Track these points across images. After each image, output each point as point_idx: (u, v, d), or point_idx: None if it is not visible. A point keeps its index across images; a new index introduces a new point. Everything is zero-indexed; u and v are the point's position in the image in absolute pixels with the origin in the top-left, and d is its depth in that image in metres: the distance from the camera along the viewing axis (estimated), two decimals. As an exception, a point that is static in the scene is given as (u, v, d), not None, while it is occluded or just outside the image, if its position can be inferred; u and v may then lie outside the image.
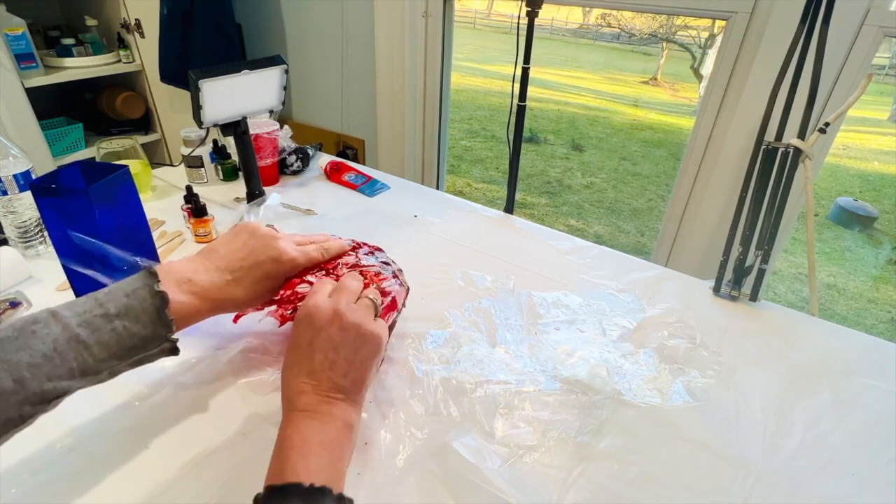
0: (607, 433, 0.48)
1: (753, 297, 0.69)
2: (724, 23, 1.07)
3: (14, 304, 0.59)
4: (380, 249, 0.58)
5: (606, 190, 3.82)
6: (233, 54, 1.66)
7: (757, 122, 0.64)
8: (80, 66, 1.77)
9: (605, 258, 0.78)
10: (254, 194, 0.84)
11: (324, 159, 1.04)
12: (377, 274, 0.52)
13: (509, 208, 0.92)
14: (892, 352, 0.61)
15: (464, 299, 0.65)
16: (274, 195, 0.82)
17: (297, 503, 0.33)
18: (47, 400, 0.35)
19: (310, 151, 1.04)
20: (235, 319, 0.56)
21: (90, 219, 0.54)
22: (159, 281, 0.41)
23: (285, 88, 0.80)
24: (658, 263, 0.78)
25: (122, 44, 1.86)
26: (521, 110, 0.86)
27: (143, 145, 0.95)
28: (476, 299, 0.65)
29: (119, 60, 1.87)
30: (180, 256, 0.64)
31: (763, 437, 0.49)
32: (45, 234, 0.70)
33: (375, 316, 0.46)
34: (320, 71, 1.72)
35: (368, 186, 0.97)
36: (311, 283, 0.50)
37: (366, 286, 0.49)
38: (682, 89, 6.62)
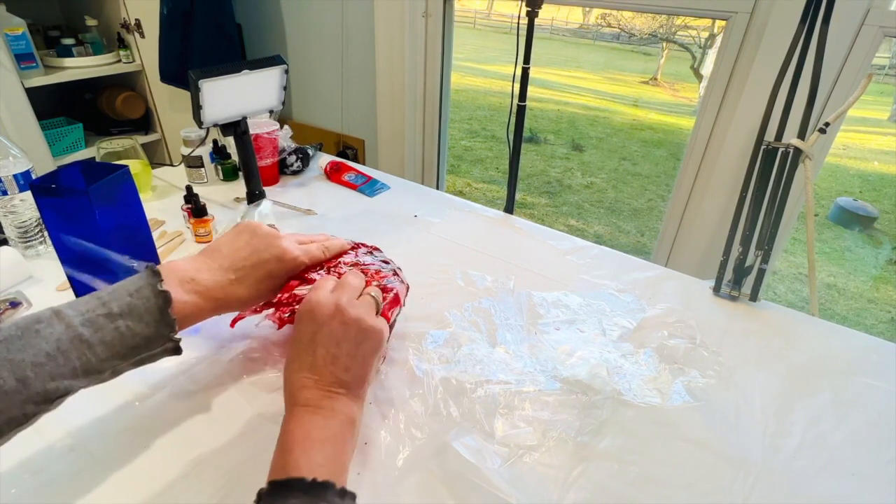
0: (607, 433, 0.48)
1: (753, 297, 0.69)
2: (724, 23, 1.07)
3: (14, 304, 0.59)
4: (378, 249, 0.58)
5: (606, 190, 3.82)
6: (233, 54, 1.66)
7: (757, 122, 0.64)
8: (80, 66, 1.77)
9: (605, 258, 0.78)
10: (254, 194, 0.84)
11: (324, 159, 1.04)
12: (377, 272, 0.52)
13: (509, 208, 0.92)
14: (892, 352, 0.61)
15: (464, 299, 0.65)
16: (265, 203, 0.82)
17: (300, 497, 0.33)
18: (50, 399, 0.35)
19: (310, 151, 1.04)
20: (233, 323, 0.55)
21: (90, 219, 0.54)
22: (162, 280, 0.40)
23: (285, 88, 0.80)
24: (658, 263, 0.78)
25: (122, 44, 1.86)
26: (521, 110, 0.86)
27: (143, 145, 0.95)
28: (476, 299, 0.65)
29: (119, 60, 1.87)
30: (180, 256, 0.64)
31: (763, 437, 0.49)
32: (45, 234, 0.70)
33: (377, 313, 0.46)
34: (320, 71, 1.72)
35: (368, 186, 0.97)
36: (311, 282, 0.50)
37: (367, 284, 0.49)
38: (682, 89, 6.62)
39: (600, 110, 5.75)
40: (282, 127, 0.99)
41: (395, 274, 0.54)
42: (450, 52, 1.51)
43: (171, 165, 1.00)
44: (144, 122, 2.03)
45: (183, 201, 0.77)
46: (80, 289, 0.58)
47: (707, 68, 5.48)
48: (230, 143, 0.93)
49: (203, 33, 1.57)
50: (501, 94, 5.76)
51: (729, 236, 0.69)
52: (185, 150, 0.93)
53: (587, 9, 6.97)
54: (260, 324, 0.57)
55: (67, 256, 0.56)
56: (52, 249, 0.60)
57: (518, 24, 0.83)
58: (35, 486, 0.41)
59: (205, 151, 0.95)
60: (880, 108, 5.21)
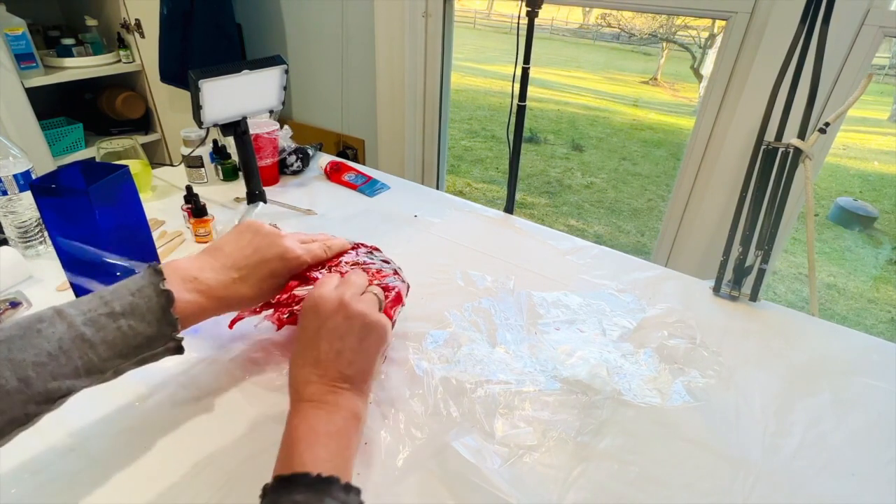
0: (607, 433, 0.48)
1: (753, 297, 0.69)
2: (724, 23, 1.07)
3: (14, 304, 0.59)
4: (378, 249, 0.58)
5: (606, 190, 3.82)
6: (233, 54, 1.66)
7: (757, 122, 0.64)
8: (80, 66, 1.77)
9: (605, 258, 0.78)
10: (254, 194, 0.84)
11: (324, 159, 1.04)
12: (379, 271, 0.52)
13: (509, 208, 0.92)
14: (892, 352, 0.61)
15: (464, 299, 0.65)
16: (262, 206, 0.82)
17: (305, 493, 0.33)
18: (52, 399, 0.35)
19: (310, 151, 1.04)
20: (231, 324, 0.55)
21: (90, 219, 0.54)
22: (164, 279, 0.40)
23: (285, 88, 0.80)
24: (658, 263, 0.78)
25: (122, 44, 1.86)
26: (521, 110, 0.86)
27: (143, 145, 0.95)
28: (476, 299, 0.65)
29: (119, 60, 1.87)
30: (180, 256, 0.64)
31: (763, 437, 0.49)
32: (45, 234, 0.70)
33: (379, 310, 0.46)
34: (320, 71, 1.72)
35: (368, 186, 0.97)
36: (313, 281, 0.50)
37: (369, 283, 0.49)
38: (682, 89, 6.62)
39: (600, 110, 5.74)
40: (282, 127, 0.99)
41: (396, 273, 0.55)
42: (450, 52, 1.51)
43: (171, 165, 1.00)
44: (144, 122, 2.03)
45: (183, 201, 0.77)
46: (79, 289, 0.58)
47: (707, 68, 5.48)
48: (230, 143, 0.93)
49: (203, 33, 1.57)
50: (501, 94, 5.76)
51: (729, 236, 0.69)
52: (185, 150, 0.93)
53: (587, 9, 6.97)
54: (259, 325, 0.57)
55: (67, 257, 0.56)
56: (52, 249, 0.60)
57: (518, 24, 0.83)
58: (35, 487, 0.41)
59: (205, 151, 0.95)
60: (880, 108, 5.21)
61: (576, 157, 4.44)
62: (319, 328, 0.42)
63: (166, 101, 1.93)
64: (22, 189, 0.66)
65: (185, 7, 1.52)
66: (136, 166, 0.87)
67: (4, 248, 0.65)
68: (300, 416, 0.39)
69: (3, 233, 0.69)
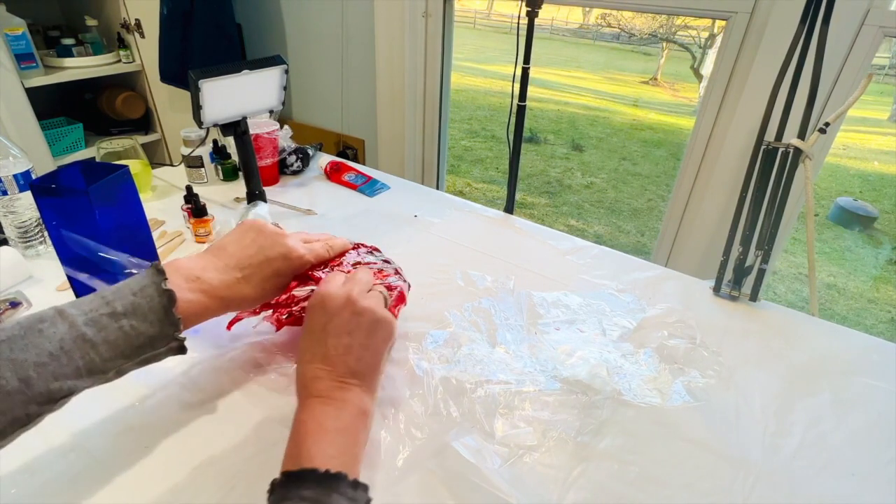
0: (607, 433, 0.48)
1: (753, 297, 0.69)
2: (724, 23, 1.07)
3: (14, 304, 0.59)
4: (377, 249, 0.58)
5: (606, 190, 3.82)
6: (233, 54, 1.66)
7: (757, 122, 0.64)
8: (80, 66, 1.77)
9: (605, 258, 0.78)
10: (254, 194, 0.84)
11: (324, 159, 1.04)
12: (380, 270, 0.53)
13: (509, 208, 0.92)
14: (892, 352, 0.61)
15: (464, 299, 0.65)
16: (262, 205, 0.82)
17: (313, 489, 0.33)
18: (54, 399, 0.34)
19: (310, 151, 1.04)
20: (230, 325, 0.55)
21: (90, 219, 0.54)
22: (167, 279, 0.40)
23: (285, 88, 0.80)
24: (658, 263, 0.78)
25: (122, 44, 1.86)
26: (521, 110, 0.86)
27: (143, 145, 0.95)
28: (476, 299, 0.65)
29: (119, 60, 1.87)
30: (181, 256, 0.64)
31: (763, 437, 0.49)
32: (45, 234, 0.70)
33: (385, 307, 0.46)
34: (320, 71, 1.72)
35: (368, 186, 0.97)
36: (315, 280, 0.50)
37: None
38: (682, 89, 6.62)
39: (600, 110, 5.74)
40: (282, 127, 0.99)
41: (397, 273, 0.55)
42: (450, 52, 1.51)
43: (171, 165, 1.00)
44: (144, 122, 2.03)
45: (183, 201, 0.77)
46: (79, 289, 0.58)
47: (707, 68, 5.48)
48: (230, 143, 0.93)
49: (203, 33, 1.57)
50: (501, 94, 5.76)
51: (729, 236, 0.69)
52: (185, 150, 0.93)
53: (587, 9, 6.97)
54: (258, 326, 0.57)
55: (67, 256, 0.56)
56: (52, 249, 0.60)
57: (518, 24, 0.83)
58: (35, 487, 0.41)
59: (205, 151, 0.95)
60: (880, 108, 5.21)
61: (576, 157, 4.44)
62: (327, 324, 0.42)
63: (166, 101, 1.93)
64: (22, 189, 0.66)
65: (185, 7, 1.52)
66: (136, 166, 0.87)
67: (4, 248, 0.65)
68: (308, 411, 0.39)
69: (3, 233, 0.69)
